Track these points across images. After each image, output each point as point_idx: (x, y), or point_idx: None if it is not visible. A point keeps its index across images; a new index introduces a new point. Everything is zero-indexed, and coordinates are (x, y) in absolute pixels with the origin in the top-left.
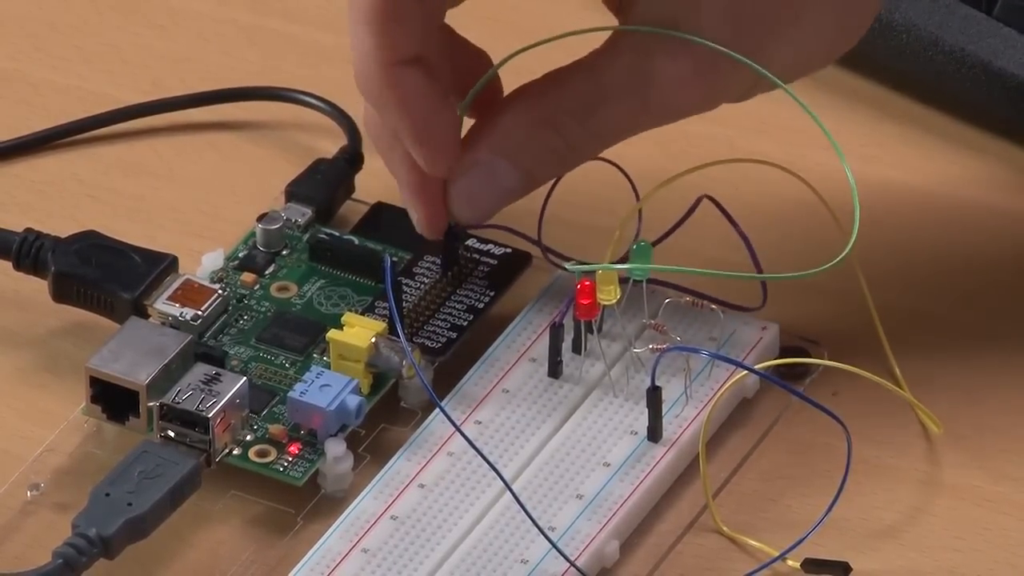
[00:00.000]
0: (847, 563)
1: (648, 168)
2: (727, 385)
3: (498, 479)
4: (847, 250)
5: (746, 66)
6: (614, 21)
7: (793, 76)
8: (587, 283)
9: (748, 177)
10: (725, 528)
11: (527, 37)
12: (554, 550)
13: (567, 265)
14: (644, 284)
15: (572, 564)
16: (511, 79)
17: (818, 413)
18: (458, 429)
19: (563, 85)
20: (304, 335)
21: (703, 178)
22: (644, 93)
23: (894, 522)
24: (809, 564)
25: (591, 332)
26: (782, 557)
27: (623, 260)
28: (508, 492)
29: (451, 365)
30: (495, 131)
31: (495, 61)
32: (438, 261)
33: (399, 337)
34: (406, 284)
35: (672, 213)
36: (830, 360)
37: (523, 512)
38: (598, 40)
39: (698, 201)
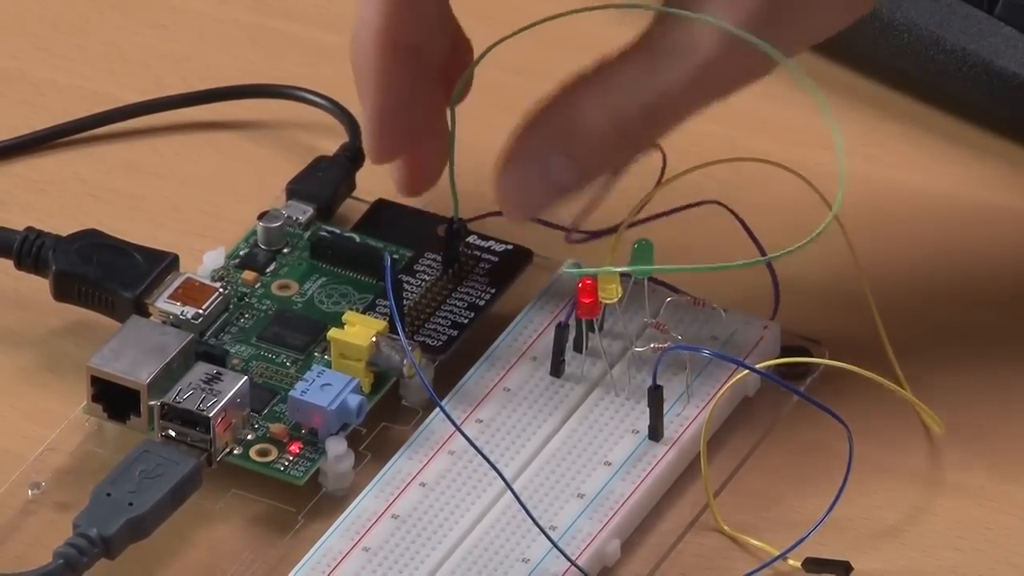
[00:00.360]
0: (848, 562)
1: (649, 167)
2: (728, 384)
3: (499, 478)
4: (833, 211)
5: (760, 47)
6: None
7: (799, 50)
8: (589, 282)
9: (749, 176)
10: (726, 527)
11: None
12: (555, 549)
13: (564, 267)
14: (645, 283)
15: (573, 563)
16: (507, 74)
17: (819, 413)
18: (458, 428)
19: (626, 87)
20: (305, 334)
21: (704, 177)
22: (702, 77)
23: (896, 522)
24: (810, 563)
25: (592, 331)
26: (783, 556)
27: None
28: (509, 491)
29: (452, 363)
30: (561, 131)
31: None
32: (439, 258)
33: (400, 336)
34: (407, 282)
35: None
36: (831, 360)
37: (524, 511)
38: (597, 24)
39: (702, 203)
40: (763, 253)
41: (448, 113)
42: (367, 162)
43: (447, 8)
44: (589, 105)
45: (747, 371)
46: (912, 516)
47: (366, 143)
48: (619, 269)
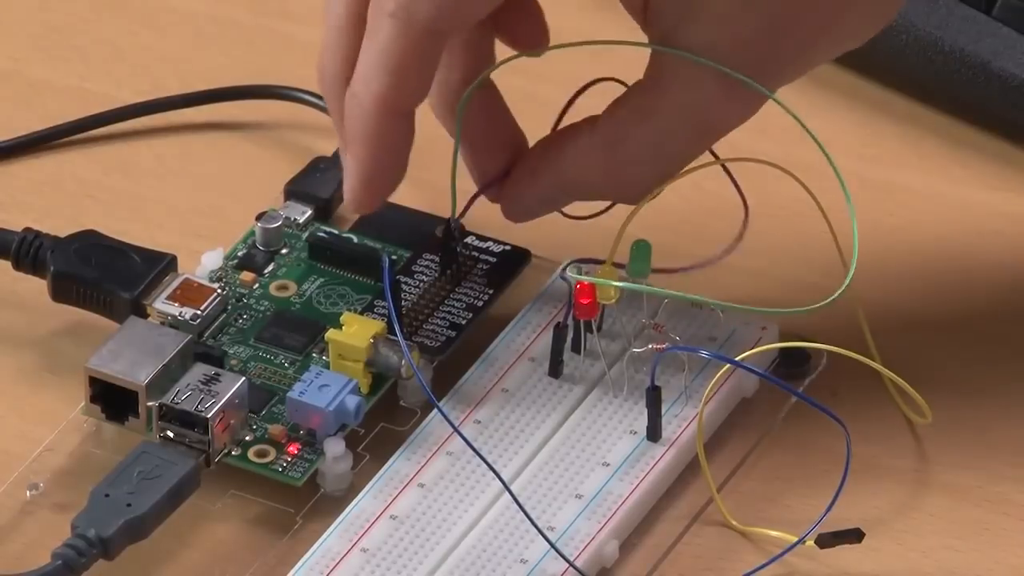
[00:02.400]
0: (859, 529)
1: None
2: (723, 382)
3: (497, 479)
4: (845, 284)
5: (753, 87)
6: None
7: (825, 61)
8: (587, 282)
9: (748, 176)
10: (734, 521)
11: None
12: (553, 550)
13: (567, 273)
14: (644, 284)
15: (571, 564)
16: (515, 80)
17: (817, 413)
18: (456, 430)
19: (625, 136)
20: (303, 334)
21: (701, 177)
22: (700, 123)
23: (893, 522)
24: (824, 538)
25: (591, 331)
26: (779, 558)
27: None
28: (507, 492)
29: (450, 364)
30: (561, 179)
31: (498, 59)
32: (437, 259)
33: (398, 337)
34: (405, 283)
35: (671, 212)
36: (829, 361)
37: (522, 512)
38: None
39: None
40: (745, 205)
41: (456, 116)
42: None
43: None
44: (591, 162)
45: (745, 372)
46: (910, 517)
47: (349, 195)
48: (621, 284)
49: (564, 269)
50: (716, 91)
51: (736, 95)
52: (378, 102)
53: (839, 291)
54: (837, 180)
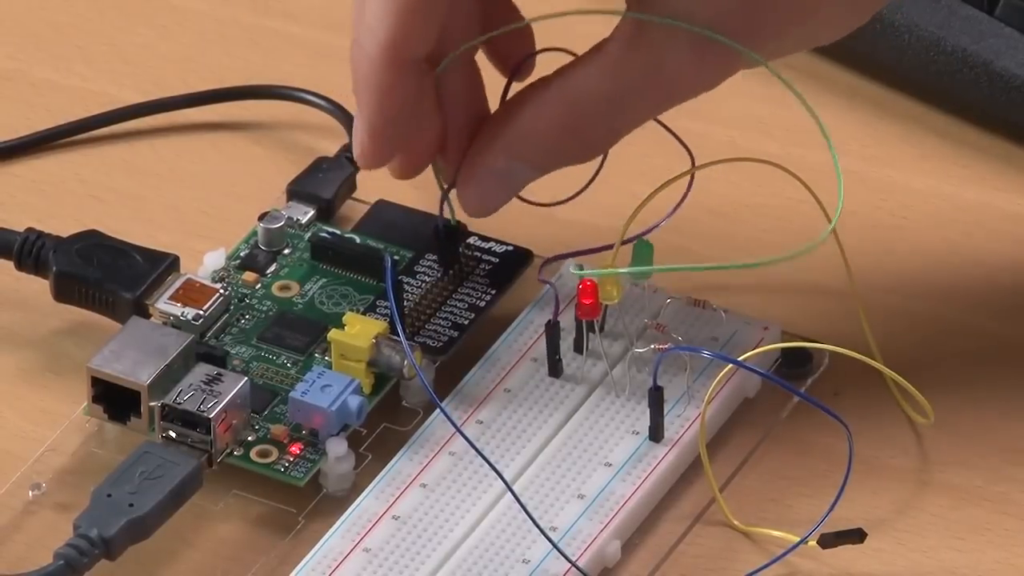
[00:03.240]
0: (861, 529)
1: (648, 168)
2: (725, 383)
3: (500, 479)
4: (830, 227)
5: (743, 52)
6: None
7: (787, 51)
8: (589, 283)
9: (748, 176)
10: (736, 521)
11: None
12: (555, 550)
13: (571, 268)
14: (645, 284)
15: (573, 564)
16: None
17: (819, 413)
18: (458, 430)
19: (584, 87)
20: (305, 335)
21: (703, 178)
22: (664, 85)
23: (895, 522)
24: (826, 538)
25: (593, 332)
26: (782, 558)
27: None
28: (509, 492)
29: (453, 364)
30: (516, 137)
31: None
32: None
33: (400, 337)
34: (407, 283)
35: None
36: (831, 361)
37: (524, 512)
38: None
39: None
40: (690, 158)
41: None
42: None
43: (469, 10)
44: (559, 123)
45: (747, 372)
46: (912, 516)
47: (357, 149)
48: (623, 271)
49: (541, 270)
50: (688, 55)
51: (707, 63)
52: (383, 48)
53: (824, 234)
54: (839, 192)
